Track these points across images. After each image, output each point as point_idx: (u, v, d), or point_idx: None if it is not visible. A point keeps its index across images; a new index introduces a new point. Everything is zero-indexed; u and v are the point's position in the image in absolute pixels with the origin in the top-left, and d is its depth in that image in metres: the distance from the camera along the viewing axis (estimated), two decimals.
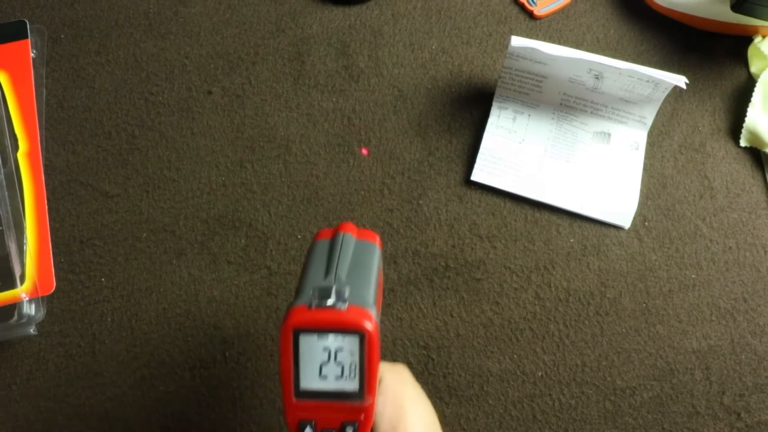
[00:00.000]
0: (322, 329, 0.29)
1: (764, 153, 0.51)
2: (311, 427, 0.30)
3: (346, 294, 0.29)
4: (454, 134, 0.52)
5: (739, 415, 0.45)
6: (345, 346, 0.29)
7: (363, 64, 0.54)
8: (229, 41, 0.54)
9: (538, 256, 0.49)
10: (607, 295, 0.48)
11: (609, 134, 0.51)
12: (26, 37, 0.53)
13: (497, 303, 0.47)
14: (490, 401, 0.45)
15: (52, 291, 0.47)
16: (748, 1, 0.47)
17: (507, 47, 0.50)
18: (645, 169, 0.51)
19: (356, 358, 0.29)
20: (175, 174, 0.51)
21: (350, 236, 0.33)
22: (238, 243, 0.49)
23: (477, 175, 0.50)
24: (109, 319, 0.47)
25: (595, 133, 0.51)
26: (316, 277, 0.31)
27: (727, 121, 0.52)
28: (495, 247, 0.49)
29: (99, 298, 0.47)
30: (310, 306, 0.29)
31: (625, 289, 0.48)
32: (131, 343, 0.47)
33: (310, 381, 0.29)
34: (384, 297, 0.47)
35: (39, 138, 0.50)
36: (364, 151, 0.47)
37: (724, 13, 0.52)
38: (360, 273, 0.32)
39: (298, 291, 0.31)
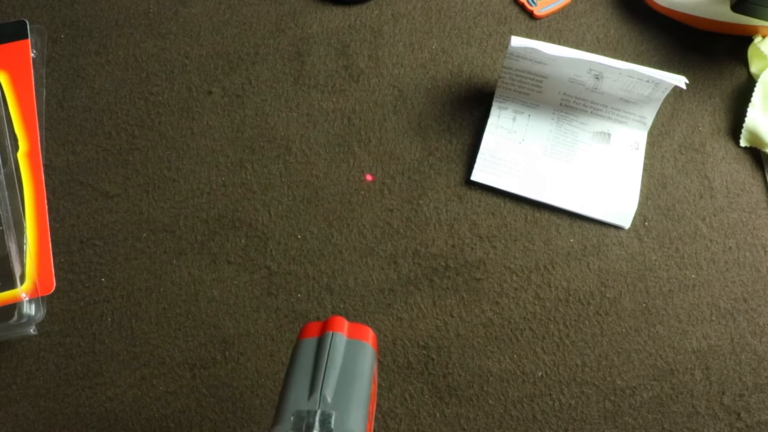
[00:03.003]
0: None
1: (764, 153, 0.51)
2: None
3: (333, 424, 0.26)
4: (454, 134, 0.52)
5: (739, 415, 0.45)
6: None
7: (363, 64, 0.54)
8: (229, 41, 0.54)
9: (538, 256, 0.49)
10: (607, 295, 0.48)
11: (609, 134, 0.51)
12: (26, 37, 0.53)
13: (497, 303, 0.47)
14: (490, 401, 0.45)
15: (52, 291, 0.47)
16: (748, 1, 0.47)
17: (507, 47, 0.50)
18: (645, 169, 0.51)
19: None
20: (175, 174, 0.51)
21: (340, 336, 0.29)
22: (238, 243, 0.49)
23: (477, 175, 0.50)
24: (109, 319, 0.47)
25: (595, 133, 0.51)
26: (298, 396, 0.27)
27: (727, 121, 0.52)
28: (495, 247, 0.49)
29: (99, 298, 0.48)
30: None
31: (625, 289, 0.48)
32: (131, 343, 0.47)
33: None
34: (384, 297, 0.47)
35: (39, 138, 0.50)
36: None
37: (724, 13, 0.52)
38: (351, 388, 0.28)
39: (279, 410, 0.27)
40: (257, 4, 0.55)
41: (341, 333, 0.30)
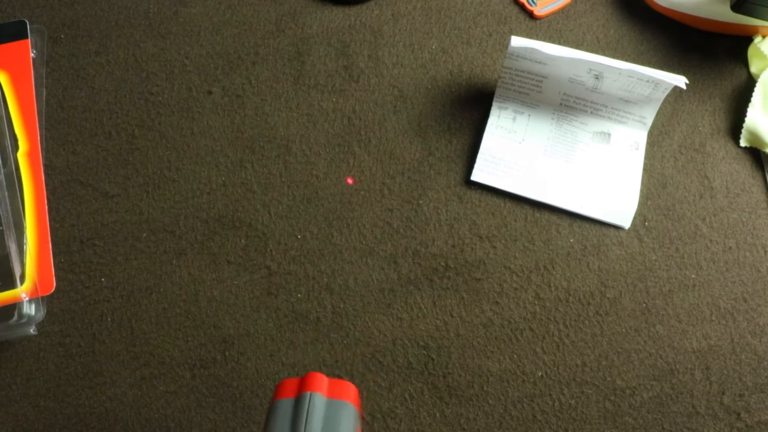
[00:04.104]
0: None
1: (764, 153, 0.51)
2: None
3: None
4: (454, 134, 0.52)
5: (739, 415, 0.45)
6: None
7: (363, 64, 0.54)
8: (229, 41, 0.54)
9: (538, 256, 0.49)
10: (607, 295, 0.48)
11: (609, 134, 0.51)
12: (26, 37, 0.53)
13: (497, 303, 0.47)
14: (490, 401, 0.45)
15: (52, 291, 0.47)
16: (748, 1, 0.47)
17: (507, 47, 0.50)
18: (645, 169, 0.51)
19: None
20: (175, 174, 0.51)
21: (319, 397, 0.27)
22: (238, 243, 0.49)
23: (477, 175, 0.50)
24: (109, 319, 0.47)
25: (595, 133, 0.51)
26: None
27: (727, 121, 0.52)
28: (495, 247, 0.49)
29: (99, 298, 0.48)
30: None
31: (625, 289, 0.48)
32: (131, 343, 0.47)
33: None
34: (384, 297, 0.47)
35: (39, 138, 0.50)
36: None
37: (724, 13, 0.52)
38: None
39: None
40: (257, 4, 0.55)
41: (320, 393, 0.28)
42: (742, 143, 0.51)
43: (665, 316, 0.47)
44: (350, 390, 0.29)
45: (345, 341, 0.47)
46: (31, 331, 0.46)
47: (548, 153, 0.51)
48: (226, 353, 0.46)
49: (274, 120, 0.52)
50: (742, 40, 0.54)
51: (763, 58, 0.52)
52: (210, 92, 0.53)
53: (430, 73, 0.54)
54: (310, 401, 0.27)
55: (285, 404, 0.28)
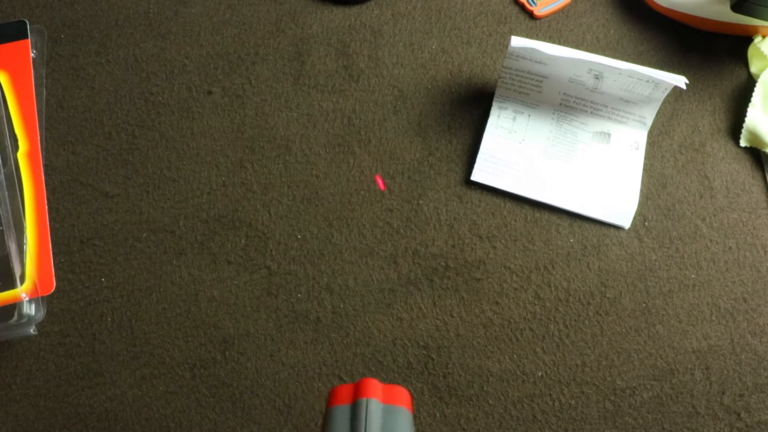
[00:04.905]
0: None
1: (764, 153, 0.51)
2: None
3: None
4: (454, 134, 0.52)
5: (739, 415, 0.45)
6: None
7: (363, 64, 0.54)
8: (229, 41, 0.54)
9: (538, 256, 0.49)
10: (607, 295, 0.48)
11: (609, 134, 0.51)
12: (26, 37, 0.53)
13: (497, 303, 0.47)
14: (490, 401, 0.45)
15: (52, 291, 0.47)
16: (748, 1, 0.47)
17: (507, 47, 0.50)
18: (645, 169, 0.51)
19: None
20: (175, 174, 0.51)
21: (375, 403, 0.27)
22: (238, 243, 0.49)
23: (477, 175, 0.50)
24: (109, 319, 0.47)
25: (595, 133, 0.51)
26: None
27: (727, 121, 0.52)
28: (495, 247, 0.49)
29: (99, 298, 0.48)
30: None
31: (625, 289, 0.48)
32: (131, 343, 0.47)
33: None
34: (384, 297, 0.47)
35: (39, 138, 0.50)
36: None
37: (724, 13, 0.52)
38: None
39: None
40: (257, 4, 0.55)
41: (376, 399, 0.28)
42: (742, 143, 0.51)
43: (665, 316, 0.47)
44: (404, 395, 0.29)
45: (345, 341, 0.47)
46: (31, 331, 0.46)
47: (548, 153, 0.51)
48: (226, 353, 0.46)
49: (274, 120, 0.52)
50: (742, 40, 0.54)
51: (763, 58, 0.52)
52: (210, 92, 0.53)
53: (430, 73, 0.54)
54: (367, 407, 0.27)
55: (341, 411, 0.27)
